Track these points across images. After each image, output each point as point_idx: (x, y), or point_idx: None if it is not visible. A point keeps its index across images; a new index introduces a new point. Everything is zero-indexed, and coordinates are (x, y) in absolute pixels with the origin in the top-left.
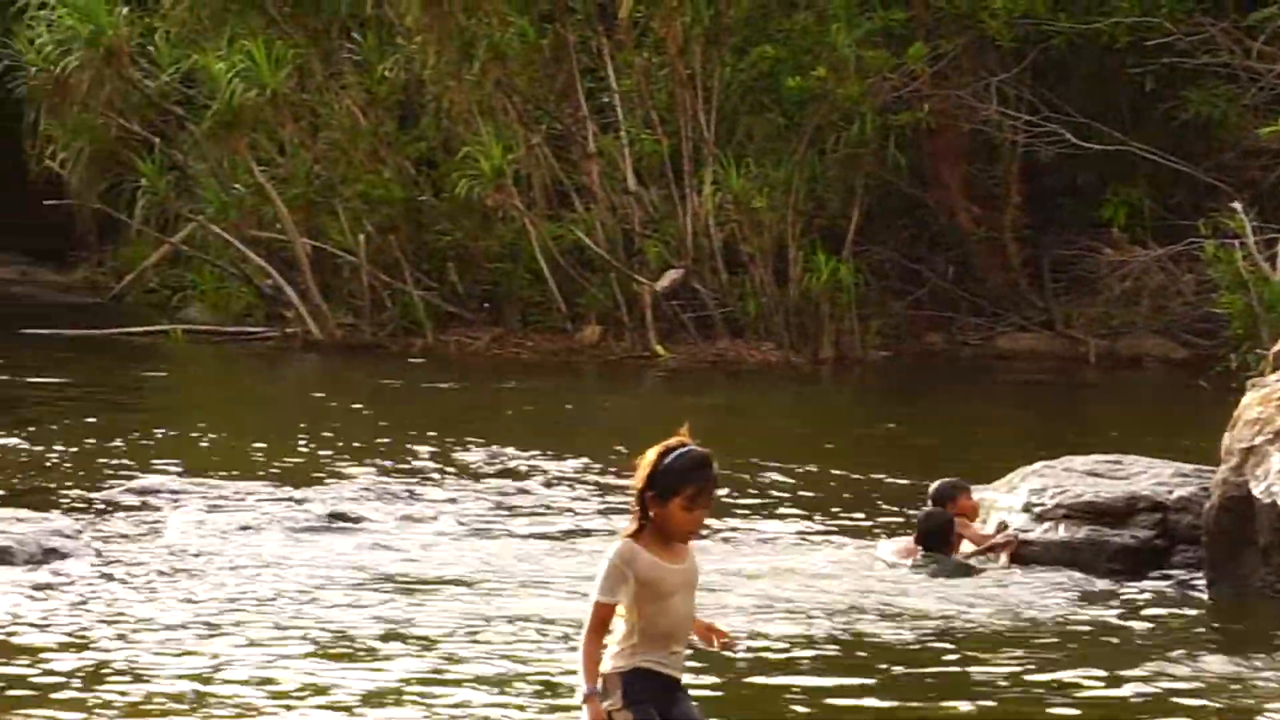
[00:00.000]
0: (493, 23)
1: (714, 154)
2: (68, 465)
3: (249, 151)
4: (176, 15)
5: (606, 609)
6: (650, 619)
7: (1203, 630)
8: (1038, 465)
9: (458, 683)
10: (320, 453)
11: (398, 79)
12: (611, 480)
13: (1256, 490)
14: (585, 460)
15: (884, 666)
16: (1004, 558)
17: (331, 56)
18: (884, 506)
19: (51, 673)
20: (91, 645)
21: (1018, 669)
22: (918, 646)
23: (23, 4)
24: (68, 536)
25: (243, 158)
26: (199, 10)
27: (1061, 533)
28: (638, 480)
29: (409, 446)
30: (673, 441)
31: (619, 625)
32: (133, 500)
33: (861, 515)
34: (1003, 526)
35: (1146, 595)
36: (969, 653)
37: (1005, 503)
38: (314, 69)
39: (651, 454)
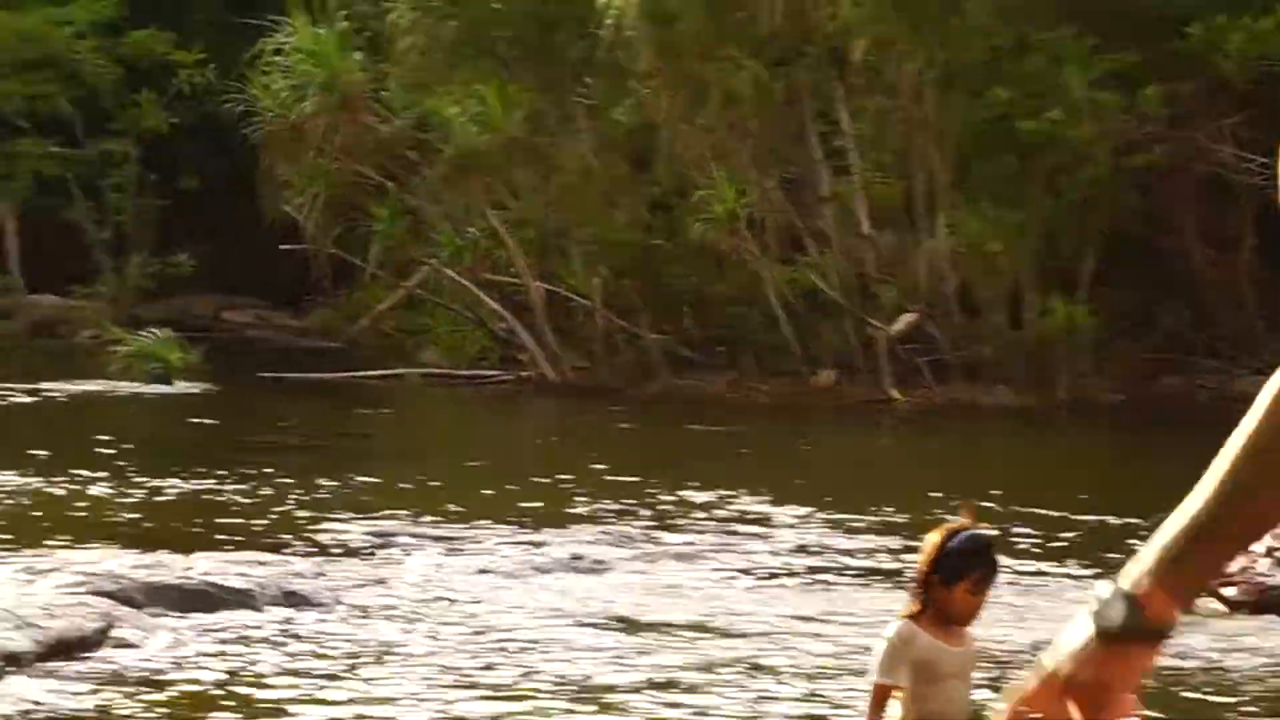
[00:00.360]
0: (725, 67)
1: (948, 197)
2: (305, 508)
3: (483, 195)
4: (410, 60)
5: (885, 689)
6: (924, 701)
7: None
8: None
9: None
10: (556, 495)
11: (630, 123)
12: (846, 524)
13: None
14: (820, 505)
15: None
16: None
17: (564, 100)
18: (1124, 551)
19: None
20: (336, 691)
21: None
22: (1183, 695)
23: (258, 50)
24: (307, 580)
25: (476, 201)
26: (432, 55)
27: None
28: (922, 563)
29: (645, 489)
30: (956, 524)
31: (894, 708)
32: (371, 543)
33: (1103, 558)
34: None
35: None
36: (1240, 704)
37: None
38: (547, 113)
39: (935, 537)
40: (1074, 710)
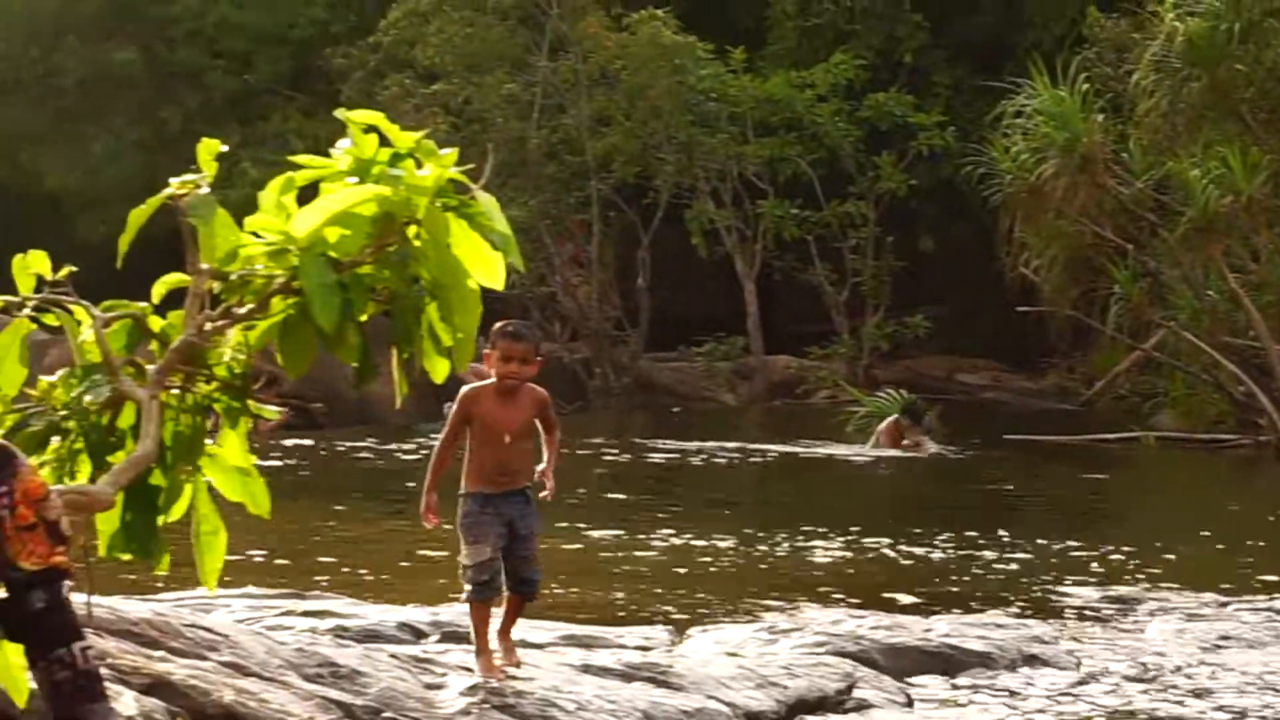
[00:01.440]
0: None
1: None
2: (1041, 571)
3: (1223, 258)
4: (1150, 122)
5: None
6: None
7: None
8: None
9: None
10: None
11: None
12: None
13: None
14: None
15: None
16: None
17: None
18: None
19: None
20: None
21: None
22: None
23: (998, 113)
24: (1046, 643)
25: (1216, 264)
26: (1173, 118)
27: None
28: None
29: None
30: None
31: None
32: (1108, 607)
33: None
34: None
35: None
36: None
37: None
38: None
39: None
40: None
